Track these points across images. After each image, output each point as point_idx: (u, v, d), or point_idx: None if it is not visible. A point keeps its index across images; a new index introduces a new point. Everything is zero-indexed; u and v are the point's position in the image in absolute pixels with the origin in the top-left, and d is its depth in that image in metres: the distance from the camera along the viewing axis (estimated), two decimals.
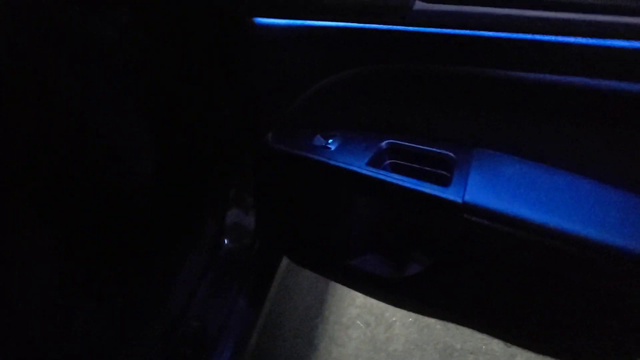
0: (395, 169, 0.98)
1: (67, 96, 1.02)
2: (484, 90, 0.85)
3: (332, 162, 0.95)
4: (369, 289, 1.17)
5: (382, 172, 0.90)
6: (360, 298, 1.80)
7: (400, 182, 0.88)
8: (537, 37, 0.76)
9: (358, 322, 1.74)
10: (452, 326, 1.67)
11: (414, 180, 0.87)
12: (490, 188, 0.82)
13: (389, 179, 0.89)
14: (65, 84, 1.00)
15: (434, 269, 0.96)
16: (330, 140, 1.01)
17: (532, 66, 0.79)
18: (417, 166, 0.95)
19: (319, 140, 1.02)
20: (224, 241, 1.37)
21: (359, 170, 0.92)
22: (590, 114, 0.78)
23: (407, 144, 0.94)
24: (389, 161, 0.98)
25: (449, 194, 0.84)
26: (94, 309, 1.12)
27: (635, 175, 0.78)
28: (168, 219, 1.29)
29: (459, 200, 0.82)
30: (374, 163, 0.95)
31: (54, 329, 1.05)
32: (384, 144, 0.96)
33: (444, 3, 0.82)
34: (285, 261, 1.49)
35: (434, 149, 0.91)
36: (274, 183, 1.14)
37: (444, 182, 0.87)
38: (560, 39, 0.75)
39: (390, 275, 1.05)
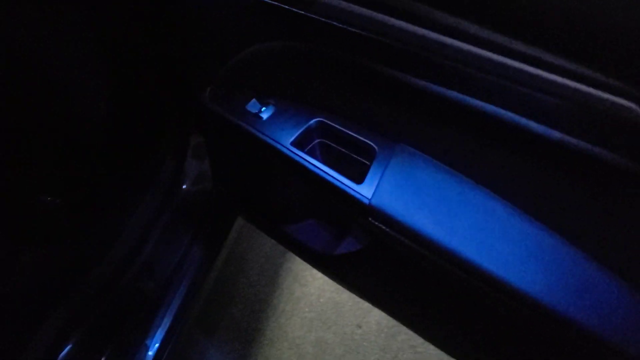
0: (323, 149, 0.95)
1: (20, 42, 0.96)
2: (403, 90, 0.78)
3: (259, 135, 0.92)
4: (304, 257, 1.18)
5: (302, 155, 0.87)
6: None
7: (316, 170, 0.85)
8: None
9: None
10: None
11: (330, 171, 0.84)
12: (401, 192, 0.79)
13: (306, 164, 0.86)
14: (20, 30, 0.94)
15: (352, 255, 0.95)
16: (263, 109, 0.96)
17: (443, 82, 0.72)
18: (344, 150, 0.91)
19: (253, 105, 0.97)
20: (182, 185, 1.37)
21: (281, 148, 0.89)
22: (508, 142, 0.72)
23: (336, 125, 0.89)
24: (317, 140, 0.94)
25: (359, 190, 0.81)
26: (39, 251, 1.11)
27: (547, 205, 0.73)
28: (122, 160, 1.27)
29: (366, 201, 0.79)
30: (301, 140, 0.91)
31: None
32: (313, 122, 0.92)
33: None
34: None
35: (359, 136, 0.87)
36: (213, 140, 1.12)
37: (361, 175, 0.84)
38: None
39: (321, 250, 1.05)
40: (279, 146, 0.89)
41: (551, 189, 0.72)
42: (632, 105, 0.55)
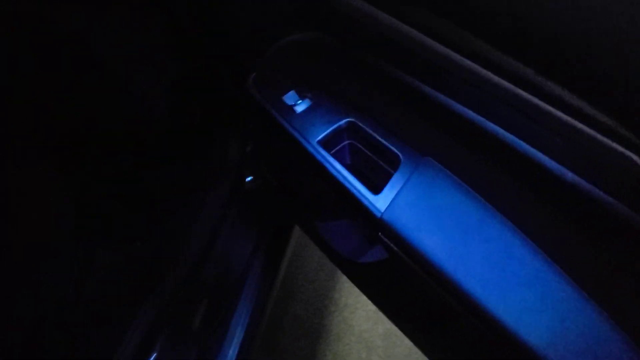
0: (352, 151, 0.90)
1: (81, 33, 0.94)
2: (438, 107, 0.71)
3: (289, 129, 0.89)
4: (332, 259, 1.15)
5: (325, 155, 0.83)
6: None
7: (335, 173, 0.81)
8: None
9: None
10: None
11: (349, 176, 0.79)
12: (416, 210, 0.73)
13: (327, 166, 0.82)
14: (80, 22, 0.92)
15: (374, 266, 0.91)
16: (299, 102, 0.93)
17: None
18: (371, 155, 0.86)
19: (291, 97, 0.94)
20: (245, 178, 1.33)
21: (307, 146, 0.85)
22: (529, 175, 0.63)
23: (366, 128, 0.84)
24: (348, 141, 0.90)
25: (374, 202, 0.75)
26: (111, 256, 1.11)
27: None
28: (183, 153, 1.27)
29: (378, 214, 0.74)
30: (330, 139, 0.87)
31: (70, 277, 1.02)
32: (344, 121, 0.87)
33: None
34: None
35: (386, 143, 0.81)
36: (254, 128, 1.11)
37: (382, 184, 0.79)
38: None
39: (347, 255, 1.01)
40: (305, 143, 0.86)
41: (567, 229, 0.62)
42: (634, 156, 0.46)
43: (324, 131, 0.86)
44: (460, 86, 0.68)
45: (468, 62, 0.62)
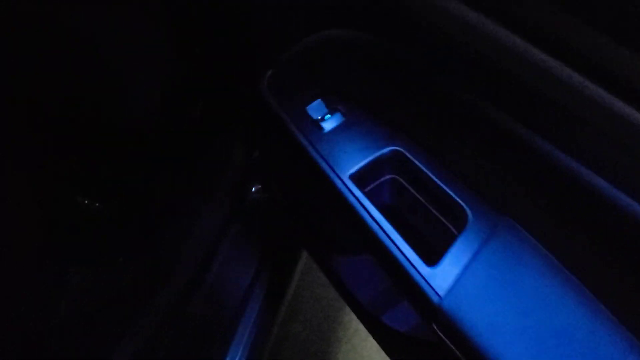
0: (394, 189, 0.68)
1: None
2: (520, 146, 0.49)
3: (313, 153, 0.67)
4: (348, 304, 0.93)
5: (359, 196, 0.61)
6: None
7: (372, 226, 0.59)
8: None
9: None
10: None
11: (395, 234, 0.57)
12: (494, 301, 0.51)
13: (361, 212, 0.60)
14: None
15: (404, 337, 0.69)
16: (328, 116, 0.71)
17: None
18: (422, 201, 0.64)
19: (317, 107, 0.72)
20: (251, 189, 1.13)
21: (335, 181, 0.63)
22: None
23: (418, 164, 0.62)
24: (390, 176, 0.67)
25: (429, 277, 0.54)
26: (89, 275, 0.93)
27: None
28: (179, 157, 1.06)
29: (435, 300, 0.52)
30: (366, 173, 0.65)
31: (36, 302, 0.87)
32: (388, 150, 0.65)
33: None
34: None
35: (447, 189, 0.59)
36: (264, 135, 0.88)
37: (439, 247, 0.57)
38: None
39: (367, 305, 0.80)
40: (332, 176, 0.64)
41: None
42: None
43: (359, 162, 0.64)
44: (564, 121, 0.46)
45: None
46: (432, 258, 0.55)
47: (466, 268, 0.53)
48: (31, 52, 0.73)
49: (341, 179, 0.63)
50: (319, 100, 0.72)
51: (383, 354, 1.27)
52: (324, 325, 1.42)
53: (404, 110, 0.66)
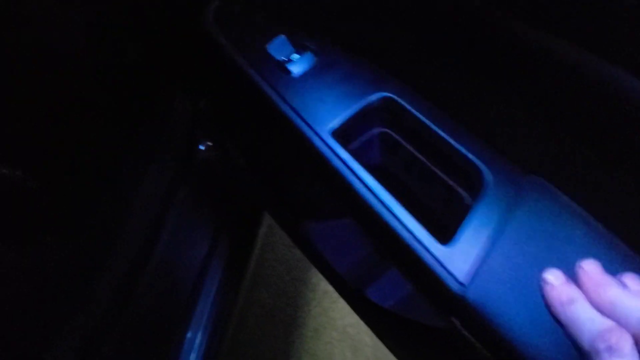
0: (386, 147, 0.55)
1: None
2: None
3: (281, 105, 0.52)
4: (324, 275, 0.82)
5: (346, 158, 0.48)
6: None
7: (368, 198, 0.46)
8: None
9: None
10: None
11: (394, 204, 0.45)
12: (524, 284, 0.40)
13: (351, 181, 0.47)
14: None
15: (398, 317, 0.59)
16: (296, 56, 0.56)
17: None
18: (423, 160, 0.51)
19: (281, 46, 0.57)
20: (199, 146, 0.97)
21: (313, 138, 0.50)
22: None
23: (414, 112, 0.49)
24: (378, 130, 0.54)
25: (444, 260, 0.42)
26: (24, 251, 0.80)
27: None
28: (112, 112, 0.89)
29: (456, 288, 0.41)
30: (350, 127, 0.52)
31: None
32: (376, 97, 0.51)
33: None
34: None
35: (454, 143, 0.46)
36: (216, 83, 0.73)
37: (449, 217, 0.45)
38: None
39: (349, 280, 0.69)
40: (309, 132, 0.50)
41: None
42: None
43: (341, 114, 0.50)
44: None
45: None
46: (442, 233, 0.43)
47: (490, 244, 0.41)
48: None
49: (320, 137, 0.49)
50: (282, 36, 0.57)
51: (355, 316, 1.18)
52: (290, 289, 1.32)
53: (389, 43, 0.53)
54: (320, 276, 1.30)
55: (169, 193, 0.92)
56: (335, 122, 0.50)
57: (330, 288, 1.32)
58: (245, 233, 1.03)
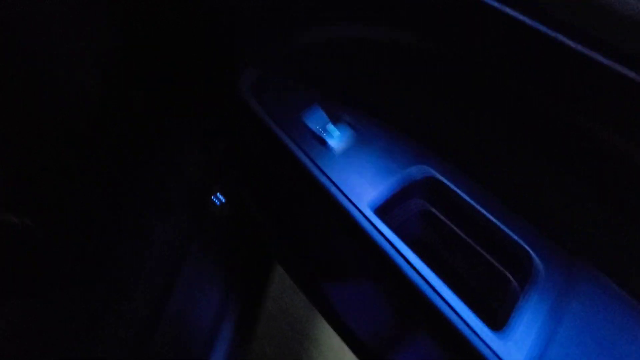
0: (426, 220, 0.54)
1: None
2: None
3: (323, 180, 0.52)
4: (342, 336, 0.80)
5: (391, 237, 0.47)
6: None
7: (415, 280, 0.45)
8: None
9: None
10: None
11: (443, 286, 0.44)
12: None
13: (397, 261, 0.46)
14: None
15: None
16: (332, 128, 0.56)
17: None
18: (466, 238, 0.51)
19: (318, 118, 0.57)
20: (211, 198, 0.95)
21: (355, 214, 0.49)
22: None
23: (458, 191, 0.49)
24: (421, 206, 0.54)
25: (500, 352, 0.41)
26: (25, 304, 0.77)
27: None
28: (127, 165, 0.88)
29: None
30: (391, 202, 0.51)
31: None
32: (417, 174, 0.51)
33: None
34: None
35: (503, 226, 0.46)
36: (245, 146, 0.73)
37: (497, 301, 0.44)
38: None
39: (370, 344, 0.67)
40: (351, 209, 0.50)
41: None
42: None
43: (384, 189, 0.50)
44: None
45: None
46: (488, 316, 0.43)
47: (545, 336, 0.41)
48: None
49: (362, 212, 0.49)
50: (317, 106, 0.57)
51: None
52: (294, 345, 1.29)
53: (429, 118, 0.53)
54: (324, 331, 1.28)
55: (183, 247, 0.91)
56: (377, 198, 0.50)
57: (335, 341, 1.29)
58: (256, 287, 1.01)
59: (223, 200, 0.97)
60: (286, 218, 0.76)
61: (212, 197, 0.97)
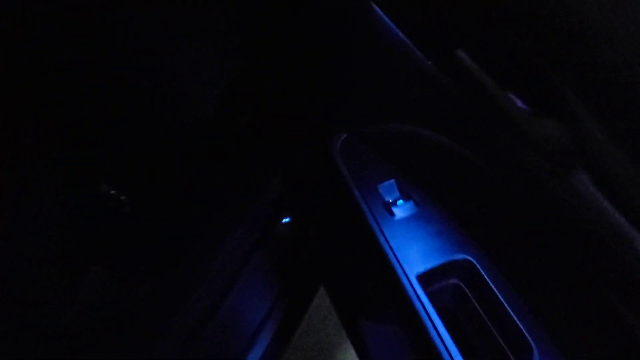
0: (457, 298, 0.67)
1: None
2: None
3: (382, 243, 0.66)
4: None
5: (425, 302, 0.60)
6: None
7: (435, 340, 0.58)
8: None
9: None
10: None
11: (457, 354, 0.57)
12: None
13: (425, 321, 0.59)
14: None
15: None
16: (400, 202, 0.69)
17: None
18: (486, 320, 0.63)
19: (389, 188, 0.71)
20: (282, 218, 1.08)
21: (402, 279, 0.62)
22: None
23: (488, 281, 0.61)
24: (455, 281, 0.67)
25: None
26: (106, 274, 0.89)
27: None
28: (217, 172, 1.03)
29: None
30: (433, 274, 0.64)
31: (55, 293, 0.83)
32: (459, 256, 0.64)
33: None
34: None
35: (514, 315, 0.58)
36: (320, 193, 0.87)
37: None
38: None
39: None
40: (399, 272, 0.63)
41: None
42: None
43: (429, 262, 0.63)
44: None
45: None
46: None
47: None
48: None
49: (408, 278, 0.62)
50: (392, 181, 0.71)
51: None
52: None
53: (481, 218, 0.66)
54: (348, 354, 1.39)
55: (247, 255, 1.04)
56: (422, 268, 0.63)
57: None
58: (300, 304, 1.14)
59: (288, 220, 1.11)
60: (341, 253, 0.90)
61: (281, 218, 1.11)
